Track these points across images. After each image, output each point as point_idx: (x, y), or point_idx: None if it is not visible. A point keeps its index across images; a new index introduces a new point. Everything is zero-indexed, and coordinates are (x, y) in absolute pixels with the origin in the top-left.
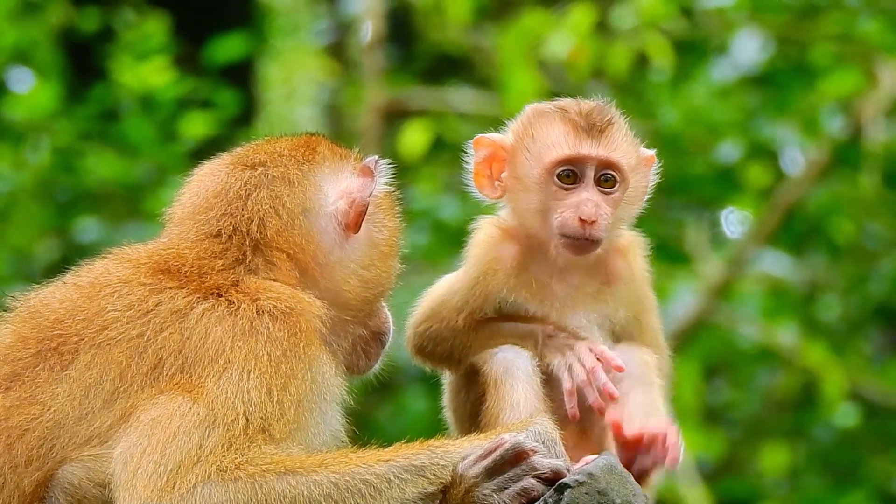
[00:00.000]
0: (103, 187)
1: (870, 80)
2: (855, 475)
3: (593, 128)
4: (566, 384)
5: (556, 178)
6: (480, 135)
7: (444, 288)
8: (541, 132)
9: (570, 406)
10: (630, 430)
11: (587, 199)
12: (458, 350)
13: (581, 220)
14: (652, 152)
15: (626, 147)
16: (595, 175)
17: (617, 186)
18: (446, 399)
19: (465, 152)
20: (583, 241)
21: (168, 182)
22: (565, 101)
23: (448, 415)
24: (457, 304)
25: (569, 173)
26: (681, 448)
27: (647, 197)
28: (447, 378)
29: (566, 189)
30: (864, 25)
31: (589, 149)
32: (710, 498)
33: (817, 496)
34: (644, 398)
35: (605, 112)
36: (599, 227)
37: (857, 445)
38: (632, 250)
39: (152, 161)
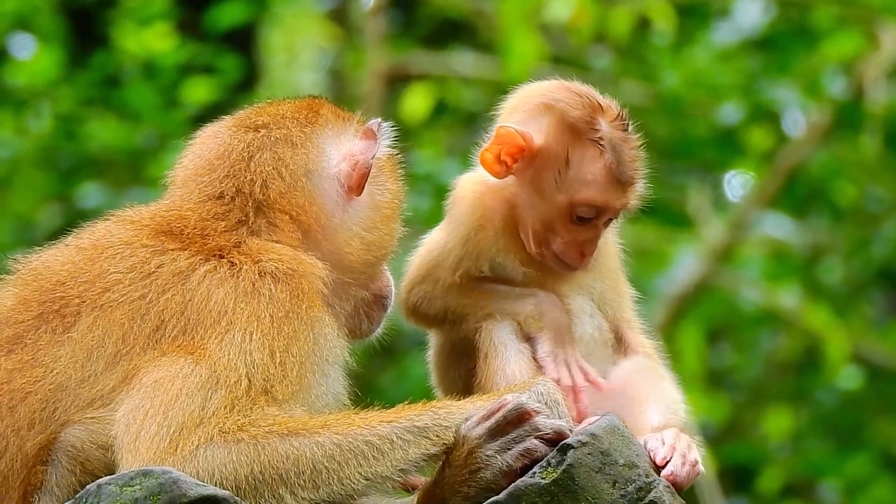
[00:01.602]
0: (105, 153)
1: (871, 42)
2: (858, 438)
3: (627, 179)
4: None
5: (576, 214)
6: (509, 125)
7: (435, 248)
8: (578, 163)
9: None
10: (659, 457)
11: (593, 238)
12: (452, 311)
13: (581, 254)
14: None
15: (639, 191)
16: (609, 217)
17: (618, 219)
18: (435, 378)
19: (488, 130)
20: (571, 268)
21: (170, 148)
22: (608, 122)
23: (438, 394)
24: (451, 264)
25: (589, 212)
26: (701, 464)
27: None
28: (433, 359)
29: (579, 225)
30: None
31: (616, 199)
32: (714, 462)
33: (821, 459)
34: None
35: (637, 158)
36: (590, 258)
37: (861, 408)
38: None
39: (154, 127)
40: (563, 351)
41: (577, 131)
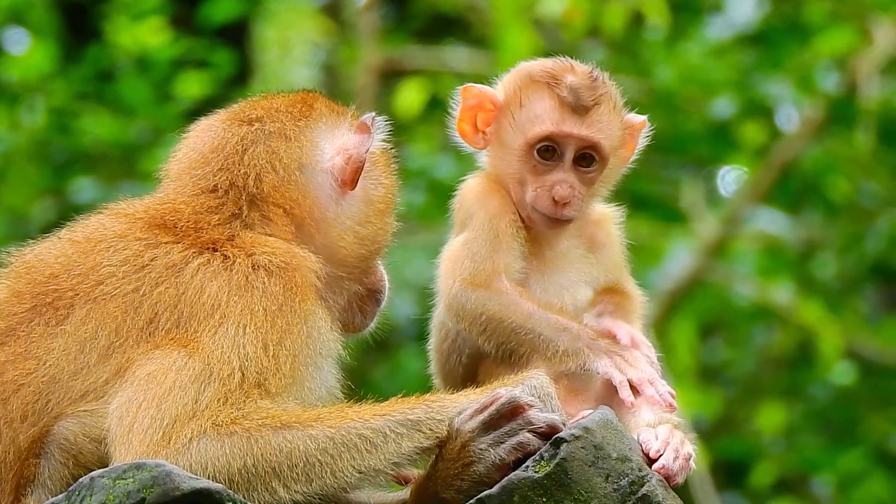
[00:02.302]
0: (99, 148)
1: (864, 37)
2: (852, 433)
3: (580, 105)
4: (617, 377)
5: (536, 152)
6: (470, 84)
7: (463, 245)
8: (529, 101)
9: (627, 396)
10: (652, 451)
11: (563, 179)
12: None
13: (554, 200)
14: (642, 118)
15: (610, 126)
16: (574, 154)
17: (595, 166)
18: (435, 366)
19: (453, 99)
20: (554, 219)
21: (164, 142)
22: (558, 67)
23: (437, 382)
24: (485, 253)
25: (549, 149)
26: (693, 460)
27: (633, 161)
28: (434, 344)
29: (545, 165)
30: None
31: (572, 127)
32: (707, 456)
33: (814, 454)
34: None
35: (594, 88)
36: (571, 207)
37: (854, 404)
38: (609, 221)
39: (148, 121)
40: (621, 356)
41: (535, 78)
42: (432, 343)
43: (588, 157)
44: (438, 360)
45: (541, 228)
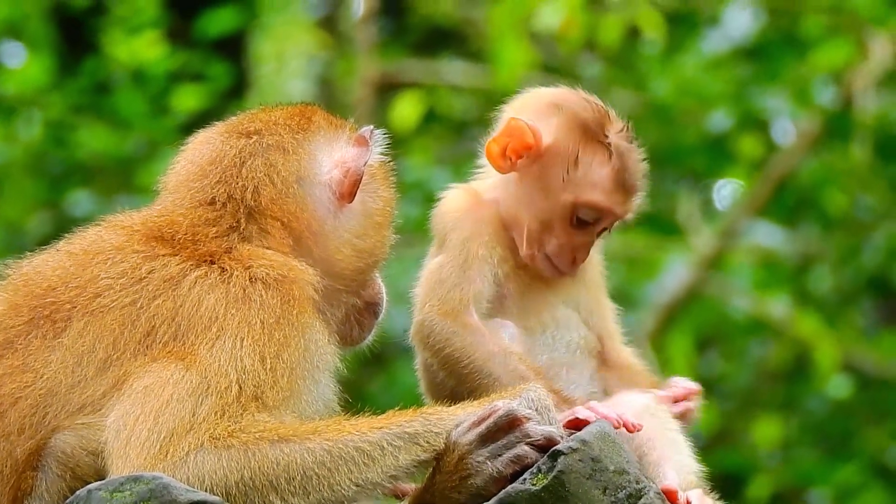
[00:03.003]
0: (95, 161)
1: (861, 51)
2: (848, 447)
3: (632, 187)
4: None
5: (578, 215)
6: (519, 118)
7: (437, 267)
8: (587, 164)
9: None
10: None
11: (588, 244)
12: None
13: (573, 259)
14: None
15: (640, 202)
16: (608, 224)
17: (609, 229)
18: (423, 384)
19: (496, 121)
20: (560, 272)
21: (160, 155)
22: (616, 131)
23: (427, 401)
24: (454, 279)
25: (590, 215)
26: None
27: None
28: (420, 363)
29: (579, 226)
30: None
31: (618, 206)
32: (703, 470)
33: (810, 468)
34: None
35: (642, 167)
36: (580, 264)
37: (850, 417)
38: None
39: (144, 134)
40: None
41: (589, 132)
42: (420, 362)
43: (613, 225)
44: (429, 378)
45: (543, 273)
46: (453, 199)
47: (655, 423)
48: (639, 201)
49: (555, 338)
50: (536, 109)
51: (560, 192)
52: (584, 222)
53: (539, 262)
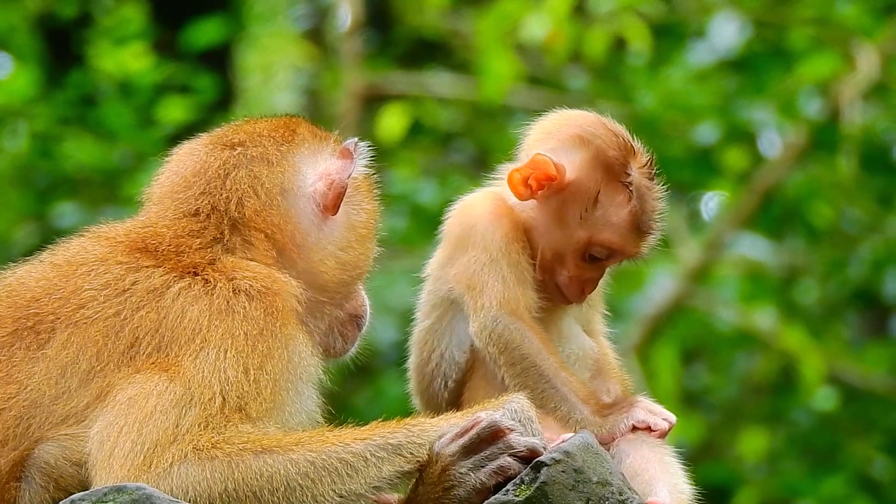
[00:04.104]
0: (82, 172)
1: (847, 63)
2: (834, 459)
3: (647, 229)
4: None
5: (590, 252)
6: (546, 154)
7: (487, 266)
8: (606, 204)
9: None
10: None
11: (598, 278)
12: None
13: (581, 291)
14: None
15: (654, 242)
16: (620, 260)
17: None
18: (415, 386)
19: (519, 140)
20: (568, 301)
21: (146, 167)
22: (639, 167)
23: (416, 402)
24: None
25: (604, 256)
26: None
27: None
28: (415, 364)
29: (591, 261)
30: (841, 9)
31: (632, 246)
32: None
33: (796, 480)
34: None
35: (660, 211)
36: (588, 295)
37: (836, 429)
38: None
39: (130, 146)
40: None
41: (611, 172)
42: (413, 362)
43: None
44: (420, 381)
45: (552, 299)
46: (483, 202)
47: (649, 445)
48: (653, 241)
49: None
50: (563, 140)
51: (576, 229)
52: (597, 258)
53: (548, 289)
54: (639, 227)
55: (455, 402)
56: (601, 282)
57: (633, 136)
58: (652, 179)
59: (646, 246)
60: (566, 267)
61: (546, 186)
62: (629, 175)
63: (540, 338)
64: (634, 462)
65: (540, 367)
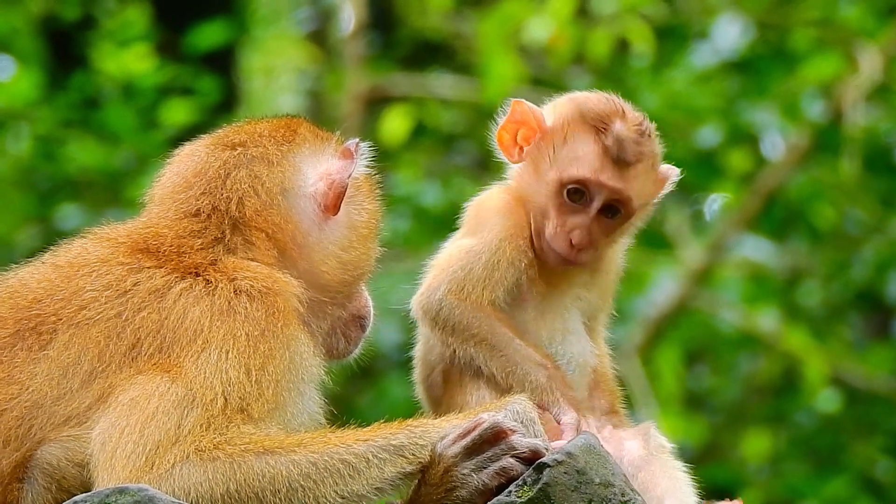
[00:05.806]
0: (84, 175)
1: (850, 64)
2: (837, 461)
3: (622, 160)
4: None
5: (565, 192)
6: (521, 100)
7: (463, 253)
8: (573, 140)
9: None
10: None
11: (583, 225)
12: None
13: (570, 243)
14: (675, 171)
15: (644, 182)
16: (603, 203)
17: (619, 217)
18: (418, 374)
19: (501, 108)
20: (564, 259)
21: (149, 169)
22: (610, 111)
23: (419, 389)
24: (480, 272)
25: (578, 192)
26: None
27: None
28: (419, 353)
29: (571, 206)
30: (843, 10)
31: (608, 179)
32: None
33: (799, 482)
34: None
35: (640, 143)
36: (586, 252)
37: (839, 431)
38: (618, 248)
39: (133, 149)
40: (585, 421)
41: (585, 119)
42: (418, 352)
43: (614, 208)
44: (423, 369)
45: (552, 264)
46: (495, 198)
47: (660, 462)
48: (637, 178)
49: (559, 352)
50: (555, 102)
51: (548, 171)
52: (574, 200)
53: (548, 255)
54: (613, 160)
55: (450, 392)
56: (617, 266)
57: (632, 107)
58: (640, 136)
59: (627, 179)
60: (549, 218)
61: (531, 140)
62: (606, 124)
63: (497, 318)
64: (645, 478)
65: (491, 341)
